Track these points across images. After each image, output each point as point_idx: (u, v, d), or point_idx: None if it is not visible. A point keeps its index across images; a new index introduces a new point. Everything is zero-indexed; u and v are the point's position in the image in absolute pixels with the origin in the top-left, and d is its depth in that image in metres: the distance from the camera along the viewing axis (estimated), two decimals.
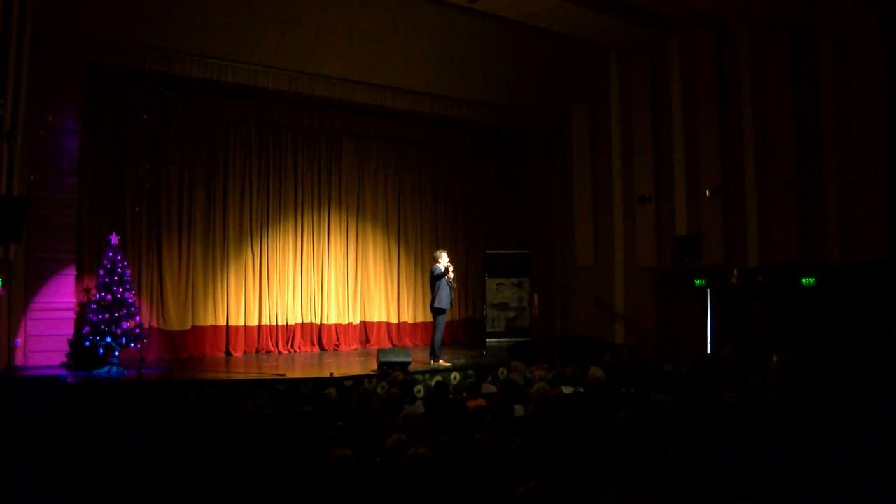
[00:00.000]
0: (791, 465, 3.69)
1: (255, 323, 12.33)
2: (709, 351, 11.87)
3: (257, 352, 12.25)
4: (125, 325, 10.11)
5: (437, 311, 10.70)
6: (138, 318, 10.50)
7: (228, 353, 11.93)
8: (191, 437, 5.13)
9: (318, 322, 13.04)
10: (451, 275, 10.64)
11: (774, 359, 8.63)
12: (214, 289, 11.97)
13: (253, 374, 9.81)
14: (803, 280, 10.67)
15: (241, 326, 12.15)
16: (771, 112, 11.31)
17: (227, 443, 4.94)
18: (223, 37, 10.83)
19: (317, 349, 12.90)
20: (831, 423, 4.51)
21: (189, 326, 11.63)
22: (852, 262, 10.33)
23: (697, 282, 12.20)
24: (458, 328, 14.67)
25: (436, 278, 10.63)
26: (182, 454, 4.60)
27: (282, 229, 12.80)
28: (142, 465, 4.25)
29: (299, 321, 12.83)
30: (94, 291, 10.22)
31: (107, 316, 9.95)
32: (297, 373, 10.00)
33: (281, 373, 9.71)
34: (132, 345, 10.32)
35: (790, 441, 4.22)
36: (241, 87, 11.52)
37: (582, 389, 7.55)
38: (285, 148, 12.87)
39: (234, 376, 9.63)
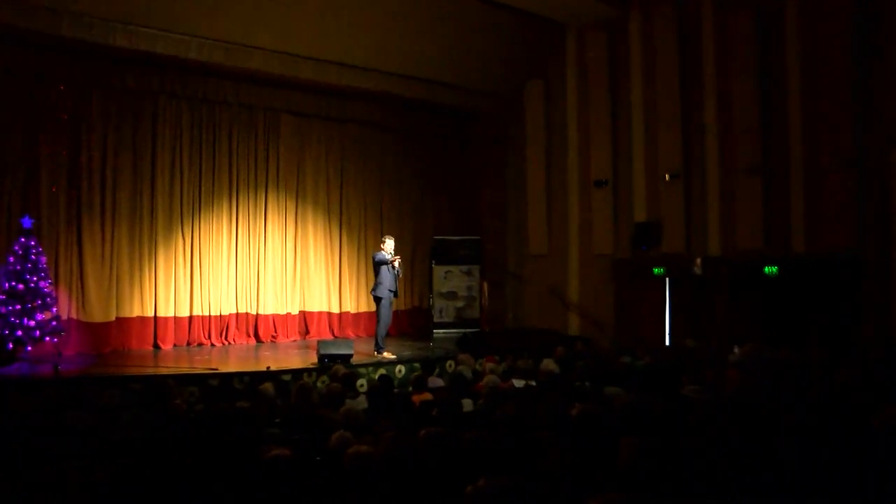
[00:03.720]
0: (751, 462, 3.76)
1: (186, 313, 12.11)
2: (668, 343, 12.06)
3: (188, 344, 12.04)
4: (39, 316, 9.81)
5: (377, 300, 10.71)
6: (55, 309, 10.21)
7: (157, 347, 11.71)
8: (114, 437, 5.02)
9: (255, 312, 12.89)
10: (397, 265, 10.66)
11: (736, 351, 8.80)
12: (141, 277, 11.71)
13: (183, 368, 9.64)
14: (766, 269, 10.92)
15: (171, 317, 11.92)
16: (735, 94, 11.49)
17: (154, 442, 4.85)
18: (151, 3, 10.52)
19: (253, 341, 12.75)
20: (794, 417, 4.59)
21: (113, 318, 11.36)
22: (817, 252, 10.61)
23: (656, 270, 12.38)
24: (404, 318, 14.64)
25: (377, 263, 10.62)
26: (103, 456, 4.49)
27: (215, 213, 12.57)
28: (58, 469, 4.13)
29: (234, 311, 12.65)
30: (2, 280, 9.90)
31: (18, 307, 9.64)
32: (231, 367, 9.89)
33: (214, 367, 9.58)
34: (47, 338, 10.03)
35: (751, 437, 4.29)
36: (171, 58, 11.23)
37: (534, 383, 7.61)
38: (220, 125, 12.62)
39: (162, 371, 9.44)
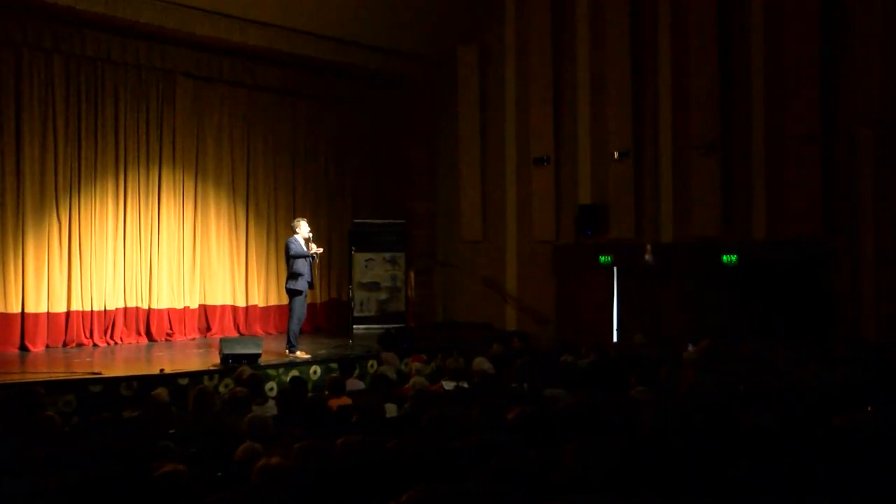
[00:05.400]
0: (705, 470, 3.85)
1: (63, 309, 11.76)
2: (615, 339, 12.27)
3: (65, 345, 11.71)
4: None
5: (292, 293, 10.65)
6: None
7: (24, 349, 11.32)
8: None
9: (146, 306, 12.65)
10: (316, 251, 10.61)
11: (690, 348, 9.01)
12: (4, 266, 11.29)
13: (58, 373, 9.35)
14: (724, 258, 11.18)
15: (43, 314, 11.56)
16: (693, 63, 11.71)
17: (18, 463, 4.71)
18: None
19: (144, 340, 12.53)
20: (752, 420, 4.73)
21: None
22: (780, 239, 10.91)
23: (603, 259, 12.57)
24: (320, 312, 14.60)
25: (292, 256, 10.55)
26: None
27: (98, 191, 12.24)
28: None
29: (121, 305, 12.38)
30: None
31: None
32: (117, 370, 9.72)
33: (96, 371, 9.35)
34: None
35: (704, 442, 4.40)
36: (36, 3, 10.82)
37: (466, 385, 7.68)
38: (102, 88, 12.25)
39: (30, 377, 9.17)
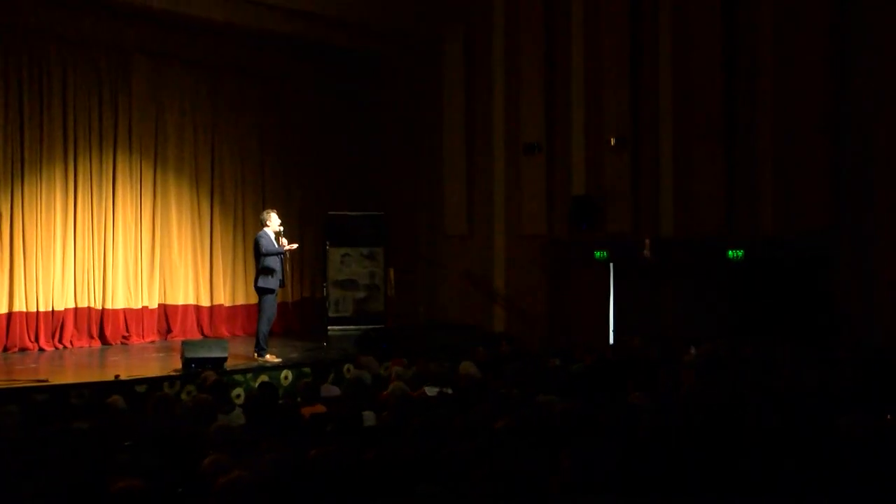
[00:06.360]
0: (705, 470, 3.89)
1: (3, 310, 11.67)
2: (611, 341, 12.29)
3: (6, 350, 11.62)
4: None
5: (262, 292, 10.62)
6: None
7: None
8: None
9: (100, 307, 12.59)
10: (287, 246, 10.59)
11: (692, 351, 9.04)
12: None
13: None
14: (730, 253, 11.22)
15: None
16: (695, 44, 11.72)
17: None
18: None
19: (97, 343, 12.48)
20: (756, 426, 4.77)
21: None
22: (786, 234, 10.94)
23: (598, 254, 12.58)
24: (292, 312, 14.59)
25: (262, 254, 10.53)
26: None
27: (45, 180, 12.13)
28: None
29: (72, 306, 12.31)
30: None
31: None
32: (67, 377, 9.69)
33: (42, 378, 9.29)
34: None
35: (706, 450, 4.42)
36: None
37: (450, 390, 7.69)
38: (48, 65, 12.13)
39: None
